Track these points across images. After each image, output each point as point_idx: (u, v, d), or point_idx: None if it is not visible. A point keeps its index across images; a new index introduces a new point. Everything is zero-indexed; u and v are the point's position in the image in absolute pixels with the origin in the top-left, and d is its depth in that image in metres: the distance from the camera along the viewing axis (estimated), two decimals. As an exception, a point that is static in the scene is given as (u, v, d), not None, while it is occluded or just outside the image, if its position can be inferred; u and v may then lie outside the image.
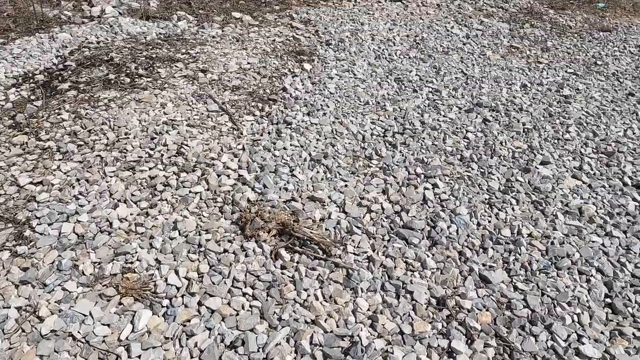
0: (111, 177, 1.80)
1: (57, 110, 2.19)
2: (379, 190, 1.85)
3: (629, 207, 1.85)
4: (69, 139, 2.01)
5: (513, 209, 1.81)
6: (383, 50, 3.07)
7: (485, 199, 1.85)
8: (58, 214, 1.60)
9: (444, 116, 2.39)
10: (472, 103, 2.53)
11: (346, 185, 1.85)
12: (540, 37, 3.65)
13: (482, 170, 2.01)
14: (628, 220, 1.79)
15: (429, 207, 1.78)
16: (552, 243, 1.64)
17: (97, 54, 2.72)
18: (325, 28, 3.31)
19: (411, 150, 2.09)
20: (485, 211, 1.79)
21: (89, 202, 1.68)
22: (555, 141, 2.26)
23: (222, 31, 3.19)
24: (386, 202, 1.78)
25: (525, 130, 2.33)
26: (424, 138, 2.19)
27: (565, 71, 3.07)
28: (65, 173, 1.82)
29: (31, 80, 2.41)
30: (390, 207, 1.76)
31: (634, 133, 2.39)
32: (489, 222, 1.73)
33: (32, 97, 2.28)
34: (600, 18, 4.33)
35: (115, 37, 2.92)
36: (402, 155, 2.06)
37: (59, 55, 2.67)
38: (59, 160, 1.89)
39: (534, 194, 1.89)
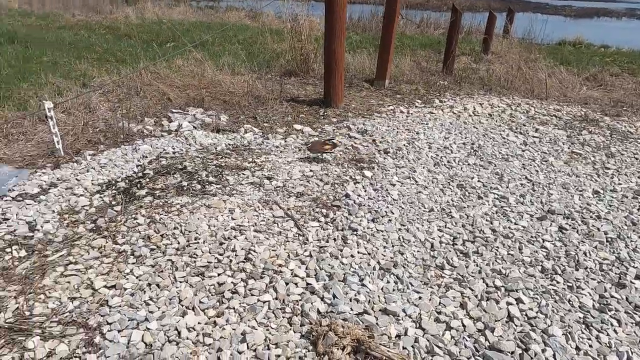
0: (181, 282, 1.80)
1: (133, 215, 2.31)
2: (456, 304, 1.71)
3: None
4: (143, 243, 2.08)
5: (615, 331, 1.59)
6: (441, 157, 3.11)
7: (580, 317, 1.65)
8: (128, 320, 1.59)
9: (515, 224, 2.28)
10: (543, 210, 2.42)
11: (420, 298, 1.73)
12: (601, 143, 3.60)
13: (570, 284, 1.83)
14: None
15: (515, 325, 1.61)
16: (675, 376, 1.39)
17: (172, 163, 2.94)
18: (382, 137, 3.45)
19: (485, 260, 1.97)
20: (583, 332, 1.58)
21: (158, 308, 1.66)
22: (647, 252, 2.07)
23: (285, 141, 3.40)
24: (466, 318, 1.63)
25: (609, 240, 2.16)
26: (497, 247, 2.08)
27: (638, 177, 2.93)
28: (137, 277, 1.84)
29: (113, 187, 2.61)
30: (472, 324, 1.60)
31: None
32: (590, 346, 1.52)
33: (113, 203, 2.44)
34: (661, 124, 4.25)
35: (189, 148, 3.18)
36: (477, 266, 1.94)
37: (139, 165, 2.91)
38: (132, 264, 1.94)
39: (636, 314, 1.68)
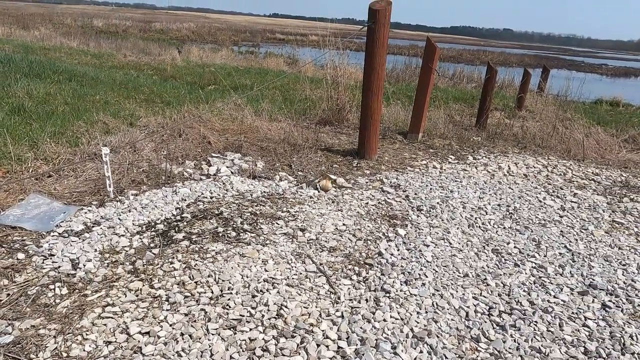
0: (213, 335, 1.81)
1: (170, 260, 2.37)
2: (493, 382, 1.65)
3: None
4: (178, 289, 2.12)
5: None
6: (476, 218, 3.08)
7: (628, 411, 1.55)
8: (160, 372, 1.60)
9: (554, 297, 2.20)
10: (584, 284, 2.33)
11: (455, 373, 1.67)
12: (644, 213, 3.47)
13: (616, 371, 1.73)
14: None
15: (557, 413, 1.52)
16: None
17: (209, 207, 3.03)
18: (415, 194, 3.46)
19: (524, 336, 1.90)
20: None
21: (190, 361, 1.67)
22: (700, 341, 1.94)
23: (318, 192, 3.45)
24: (504, 401, 1.56)
25: (658, 323, 2.05)
26: (536, 322, 2.00)
27: (686, 253, 2.79)
28: (171, 325, 1.87)
29: (152, 229, 2.69)
30: (510, 408, 1.53)
31: None
32: None
33: (152, 245, 2.51)
34: None
35: (226, 194, 3.28)
36: (515, 341, 1.86)
37: (178, 208, 3.01)
38: (167, 310, 1.97)
39: (691, 412, 1.56)
